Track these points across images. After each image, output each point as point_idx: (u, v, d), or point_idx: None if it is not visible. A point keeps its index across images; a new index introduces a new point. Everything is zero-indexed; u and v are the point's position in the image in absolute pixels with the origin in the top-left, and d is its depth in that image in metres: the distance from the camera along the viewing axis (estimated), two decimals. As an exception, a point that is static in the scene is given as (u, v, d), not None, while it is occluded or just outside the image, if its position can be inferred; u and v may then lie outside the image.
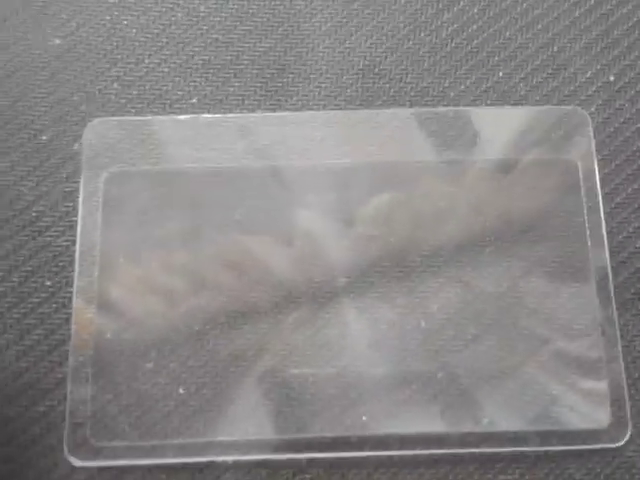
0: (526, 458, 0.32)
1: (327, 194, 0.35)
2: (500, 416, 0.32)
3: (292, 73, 0.37)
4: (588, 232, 0.34)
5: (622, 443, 0.32)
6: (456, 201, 0.35)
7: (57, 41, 0.37)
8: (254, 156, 0.35)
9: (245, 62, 0.37)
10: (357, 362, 0.33)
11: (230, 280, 0.34)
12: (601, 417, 0.32)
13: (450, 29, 0.38)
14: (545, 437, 0.32)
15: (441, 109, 0.36)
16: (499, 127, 0.36)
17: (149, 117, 0.36)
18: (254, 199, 0.35)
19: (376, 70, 0.37)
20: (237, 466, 0.32)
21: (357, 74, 0.37)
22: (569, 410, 0.32)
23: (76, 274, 0.33)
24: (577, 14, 0.38)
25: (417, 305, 0.33)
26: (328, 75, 0.37)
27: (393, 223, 0.34)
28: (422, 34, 0.38)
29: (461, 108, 0.36)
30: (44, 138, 0.36)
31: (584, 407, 0.32)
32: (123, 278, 0.33)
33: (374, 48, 0.37)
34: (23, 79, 0.37)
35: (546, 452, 0.32)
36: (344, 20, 0.38)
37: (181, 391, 0.32)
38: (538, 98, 0.37)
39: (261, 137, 0.35)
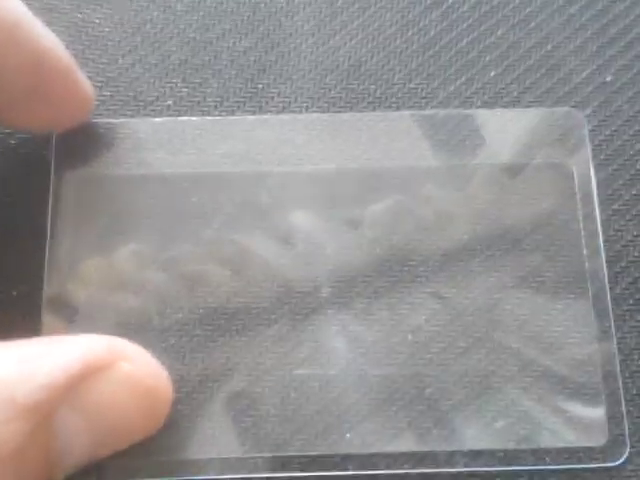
0: (518, 477, 0.31)
1: (311, 201, 0.34)
2: (491, 433, 0.31)
3: (273, 74, 0.36)
4: (584, 241, 0.33)
5: (620, 462, 0.31)
6: (442, 209, 0.34)
7: (25, 40, 0.36)
8: (233, 161, 0.34)
9: (224, 62, 0.36)
10: (341, 377, 0.32)
11: (207, 291, 0.32)
12: (597, 435, 0.31)
13: (439, 27, 0.37)
14: (538, 456, 0.31)
15: (430, 111, 0.35)
16: (490, 130, 0.35)
17: (122, 120, 0.35)
18: (233, 206, 0.33)
19: (362, 70, 0.36)
20: (213, 486, 0.31)
21: (342, 74, 0.36)
22: (563, 427, 0.31)
23: (45, 284, 0.32)
24: (572, 11, 0.37)
25: (404, 318, 0.32)
26: (311, 76, 0.36)
27: (378, 232, 0.33)
28: (410, 32, 0.37)
29: (450, 110, 0.35)
30: (12, 142, 0.35)
31: (579, 424, 0.31)
32: (95, 289, 0.32)
33: (360, 47, 0.37)
34: (-10, 80, 0.35)
35: (540, 471, 0.31)
36: (328, 18, 0.37)
37: (154, 407, 0.31)
38: (531, 99, 0.36)
39: (241, 141, 0.34)
